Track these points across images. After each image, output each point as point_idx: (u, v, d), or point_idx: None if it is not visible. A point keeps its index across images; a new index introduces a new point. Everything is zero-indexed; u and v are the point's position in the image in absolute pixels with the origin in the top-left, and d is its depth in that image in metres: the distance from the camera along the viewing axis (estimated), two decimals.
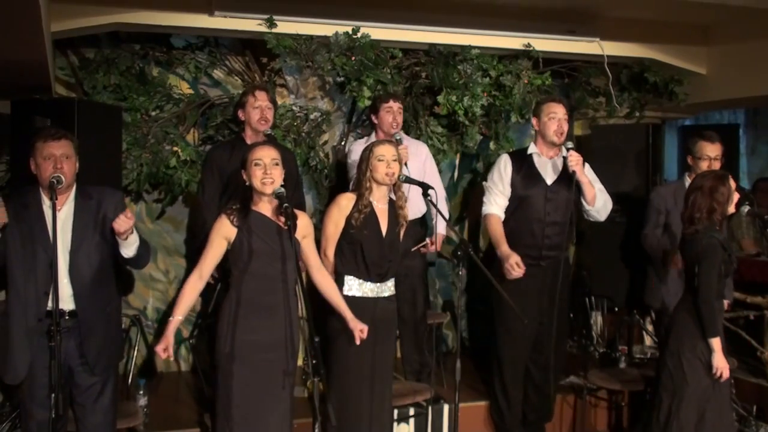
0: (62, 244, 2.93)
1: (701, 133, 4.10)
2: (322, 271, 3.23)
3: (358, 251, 3.32)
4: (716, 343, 3.30)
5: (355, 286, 3.35)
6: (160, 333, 4.85)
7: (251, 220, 3.02)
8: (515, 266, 3.77)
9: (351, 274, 3.34)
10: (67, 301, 2.95)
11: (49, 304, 2.89)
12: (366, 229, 3.31)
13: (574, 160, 3.79)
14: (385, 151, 3.35)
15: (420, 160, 4.35)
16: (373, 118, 4.27)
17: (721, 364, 3.28)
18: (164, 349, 2.93)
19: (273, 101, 3.97)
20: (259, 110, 3.86)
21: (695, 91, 5.35)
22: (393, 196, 3.47)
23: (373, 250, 3.32)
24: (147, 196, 4.81)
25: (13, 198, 2.99)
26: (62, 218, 2.95)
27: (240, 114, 3.95)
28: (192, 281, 3.04)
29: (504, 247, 3.86)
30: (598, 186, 4.03)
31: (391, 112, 4.19)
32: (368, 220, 3.32)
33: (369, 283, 3.35)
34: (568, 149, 3.85)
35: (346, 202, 3.34)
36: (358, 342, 3.13)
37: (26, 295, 2.90)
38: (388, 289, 3.43)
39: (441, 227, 4.23)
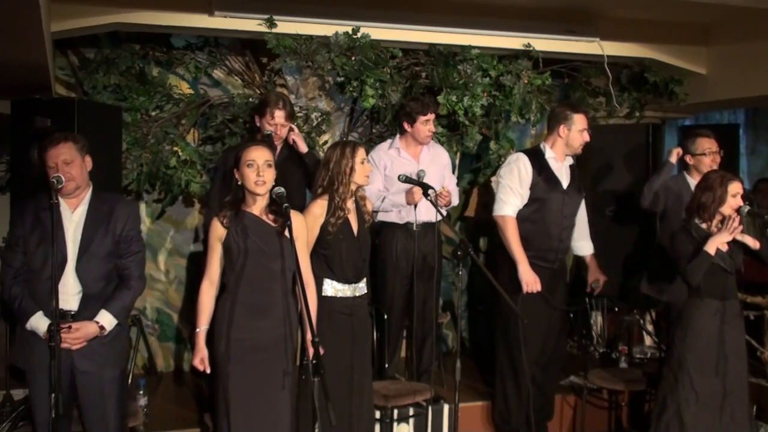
0: (73, 244, 2.98)
1: (695, 132, 4.22)
2: (308, 277, 3.19)
3: (335, 256, 3.32)
4: (709, 246, 3.42)
5: (332, 288, 3.36)
6: (161, 334, 4.90)
7: (244, 221, 3.03)
8: (534, 287, 3.82)
9: (328, 278, 3.35)
10: (72, 300, 2.97)
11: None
12: (341, 234, 3.32)
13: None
14: (364, 153, 3.38)
15: (442, 165, 4.38)
16: (406, 125, 4.25)
17: None
18: (200, 361, 2.99)
19: (290, 116, 3.97)
20: (273, 128, 3.89)
21: (695, 91, 5.34)
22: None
23: (348, 253, 3.34)
24: (147, 196, 4.81)
25: (32, 202, 3.01)
26: (75, 220, 3.01)
27: (256, 118, 3.97)
28: (204, 289, 3.07)
29: (525, 265, 3.85)
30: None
31: (429, 123, 4.20)
32: (342, 225, 3.33)
33: (345, 284, 3.37)
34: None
35: (320, 210, 3.31)
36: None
37: (38, 293, 2.94)
38: (361, 288, 3.44)
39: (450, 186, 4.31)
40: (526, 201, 3.94)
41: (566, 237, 4.03)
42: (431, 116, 4.21)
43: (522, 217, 3.93)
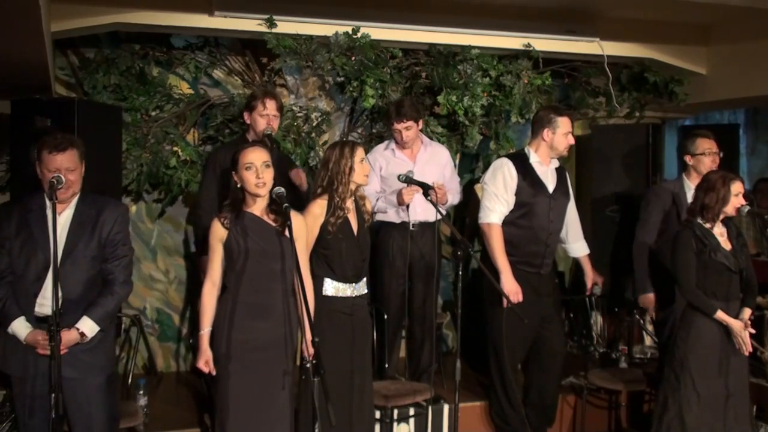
0: (57, 248, 2.90)
1: (694, 132, 4.20)
2: (307, 278, 3.17)
3: (335, 255, 3.32)
4: (720, 316, 3.43)
5: (332, 288, 3.36)
6: (161, 334, 4.90)
7: (245, 221, 3.03)
8: (516, 297, 3.79)
9: (328, 277, 3.35)
10: (51, 305, 2.88)
11: (36, 308, 2.91)
12: (341, 233, 3.32)
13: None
14: (363, 153, 3.38)
15: (441, 164, 4.36)
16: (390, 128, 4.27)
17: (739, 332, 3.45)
18: (205, 363, 2.98)
19: (281, 108, 3.93)
20: (266, 119, 3.81)
21: (695, 91, 5.35)
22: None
23: (348, 253, 3.34)
24: (147, 196, 4.82)
25: (20, 204, 2.99)
26: (62, 223, 2.94)
27: (246, 116, 3.90)
28: (207, 290, 3.06)
29: (508, 275, 3.82)
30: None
31: (398, 132, 4.17)
32: (342, 224, 3.33)
33: (346, 284, 3.37)
34: None
35: (319, 210, 3.31)
36: None
37: (20, 296, 2.92)
38: (361, 288, 3.44)
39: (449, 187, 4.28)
40: (512, 207, 3.91)
41: (553, 242, 4.00)
42: (397, 126, 4.12)
43: (508, 221, 3.90)
